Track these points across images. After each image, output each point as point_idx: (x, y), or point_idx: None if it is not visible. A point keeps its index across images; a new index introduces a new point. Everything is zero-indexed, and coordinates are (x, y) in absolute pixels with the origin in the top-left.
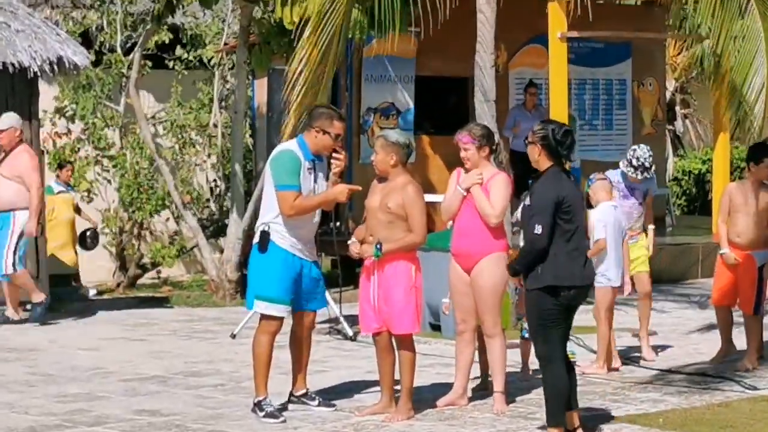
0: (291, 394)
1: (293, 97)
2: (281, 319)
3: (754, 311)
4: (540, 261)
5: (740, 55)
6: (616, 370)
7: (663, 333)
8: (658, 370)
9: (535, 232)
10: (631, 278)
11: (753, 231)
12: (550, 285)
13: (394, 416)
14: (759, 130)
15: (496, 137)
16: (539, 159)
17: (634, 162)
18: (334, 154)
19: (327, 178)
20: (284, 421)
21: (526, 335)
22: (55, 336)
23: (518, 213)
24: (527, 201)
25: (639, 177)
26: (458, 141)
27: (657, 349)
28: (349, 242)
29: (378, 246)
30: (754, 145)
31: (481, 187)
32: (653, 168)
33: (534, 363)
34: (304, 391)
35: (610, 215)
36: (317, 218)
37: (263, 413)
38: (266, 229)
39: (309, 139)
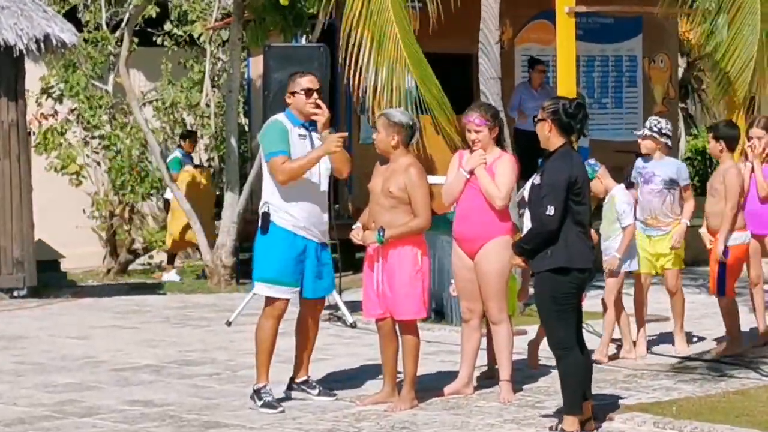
0: (292, 380)
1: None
2: (285, 301)
3: (718, 293)
4: (550, 243)
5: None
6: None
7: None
8: (671, 356)
9: (548, 213)
10: (660, 274)
11: (718, 213)
12: (563, 266)
13: (397, 405)
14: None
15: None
16: (550, 136)
17: (663, 129)
18: (311, 109)
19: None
20: (282, 412)
21: None
22: (44, 324)
23: (525, 192)
24: (537, 180)
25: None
26: (468, 123)
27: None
28: (353, 227)
29: (380, 232)
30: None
31: (485, 169)
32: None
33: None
34: (305, 378)
35: (630, 198)
36: (324, 187)
37: (261, 402)
38: (266, 210)
39: (291, 107)
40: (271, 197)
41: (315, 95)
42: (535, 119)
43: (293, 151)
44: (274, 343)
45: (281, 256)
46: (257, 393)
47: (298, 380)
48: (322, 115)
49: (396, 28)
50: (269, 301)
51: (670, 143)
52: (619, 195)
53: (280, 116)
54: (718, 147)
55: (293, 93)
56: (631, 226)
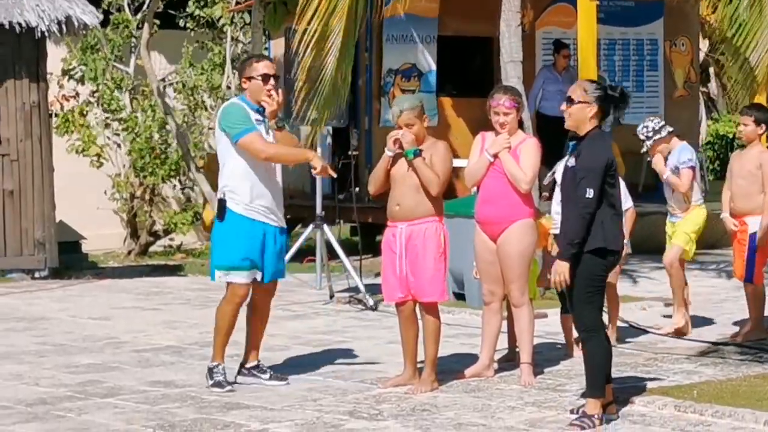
0: (242, 366)
1: (301, 51)
2: (246, 287)
3: (746, 279)
4: (606, 221)
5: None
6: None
7: (697, 303)
8: (691, 340)
9: (587, 195)
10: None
11: (745, 197)
12: (601, 247)
13: (418, 388)
14: None
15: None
16: (590, 120)
17: (655, 126)
18: (264, 97)
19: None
20: (230, 391)
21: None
22: (66, 305)
23: (556, 175)
24: (571, 162)
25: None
26: (498, 106)
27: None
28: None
29: (417, 150)
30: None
31: (510, 152)
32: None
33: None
34: (255, 363)
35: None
36: (279, 177)
37: (212, 381)
38: (222, 196)
39: (246, 93)
40: (227, 182)
41: (272, 81)
42: (570, 101)
43: None
44: (232, 326)
45: (240, 243)
46: (210, 371)
47: (248, 366)
48: (272, 105)
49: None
50: (230, 286)
51: (664, 133)
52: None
53: (236, 100)
54: (758, 131)
55: (249, 78)
56: (631, 209)
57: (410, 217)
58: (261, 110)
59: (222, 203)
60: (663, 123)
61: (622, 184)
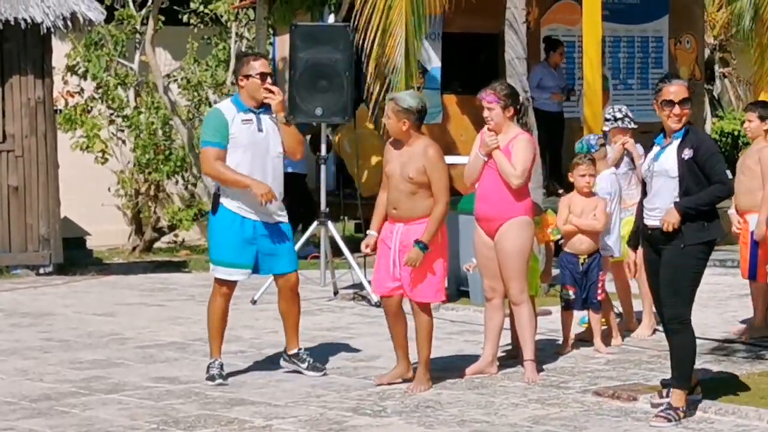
0: (284, 352)
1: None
2: (229, 284)
3: (749, 276)
4: (709, 212)
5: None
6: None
7: (701, 300)
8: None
9: (730, 176)
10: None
11: (749, 192)
12: (711, 240)
13: (414, 387)
14: None
15: (521, 98)
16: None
17: (617, 114)
18: (265, 94)
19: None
20: (220, 384)
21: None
22: (70, 301)
23: (646, 167)
24: (687, 155)
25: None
26: (482, 100)
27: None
28: (368, 233)
29: (421, 245)
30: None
31: (502, 149)
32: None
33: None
34: (296, 351)
35: (616, 183)
36: (272, 179)
37: (207, 375)
38: (217, 191)
39: (240, 91)
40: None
41: (269, 79)
42: (686, 99)
43: (238, 135)
44: (223, 320)
45: (230, 239)
46: (207, 366)
47: (289, 353)
48: (275, 98)
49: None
50: (215, 281)
51: (624, 124)
52: (602, 180)
53: (223, 103)
54: (763, 127)
55: (247, 76)
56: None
57: (408, 218)
58: (253, 109)
59: (216, 197)
60: (628, 114)
61: (610, 180)
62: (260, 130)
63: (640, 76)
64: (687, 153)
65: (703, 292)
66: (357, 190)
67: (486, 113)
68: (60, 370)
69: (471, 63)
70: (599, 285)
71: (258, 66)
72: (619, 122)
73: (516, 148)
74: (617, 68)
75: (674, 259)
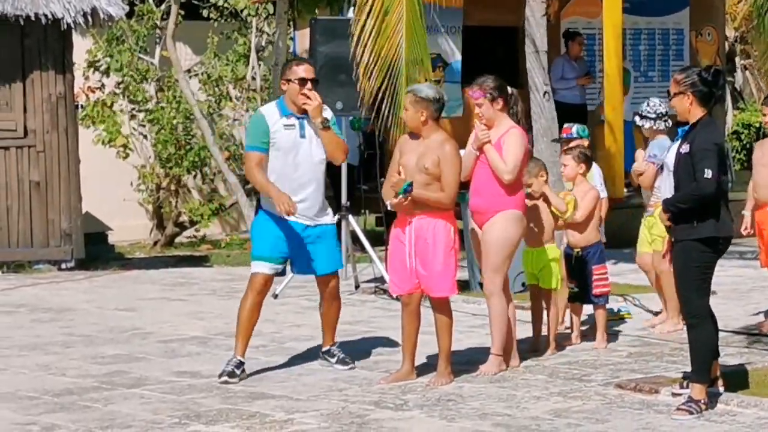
0: (320, 350)
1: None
2: (263, 276)
3: None
4: (704, 209)
5: None
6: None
7: (723, 292)
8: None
9: (706, 176)
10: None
11: (766, 186)
12: (712, 236)
13: (435, 381)
14: None
15: (510, 89)
16: (690, 108)
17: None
18: (303, 99)
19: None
20: (225, 383)
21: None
22: (92, 296)
23: (667, 160)
24: (685, 149)
25: (656, 126)
26: (470, 97)
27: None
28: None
29: (408, 187)
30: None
31: (494, 143)
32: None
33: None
34: (327, 347)
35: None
36: (315, 177)
37: (221, 371)
38: (259, 197)
39: (285, 94)
40: None
41: (308, 85)
42: (670, 94)
43: (278, 140)
44: (251, 319)
45: (264, 235)
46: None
47: (322, 349)
48: (311, 104)
49: None
50: (251, 276)
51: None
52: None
53: (267, 107)
54: None
55: (288, 80)
56: (605, 199)
57: (420, 209)
58: (295, 114)
59: (258, 201)
60: (667, 112)
61: (598, 172)
62: (302, 136)
63: (660, 69)
64: (684, 147)
65: (725, 284)
66: (378, 183)
67: (476, 109)
68: (82, 364)
69: (491, 56)
70: (595, 279)
71: (300, 71)
72: (659, 121)
73: (507, 143)
74: (638, 61)
75: (677, 254)
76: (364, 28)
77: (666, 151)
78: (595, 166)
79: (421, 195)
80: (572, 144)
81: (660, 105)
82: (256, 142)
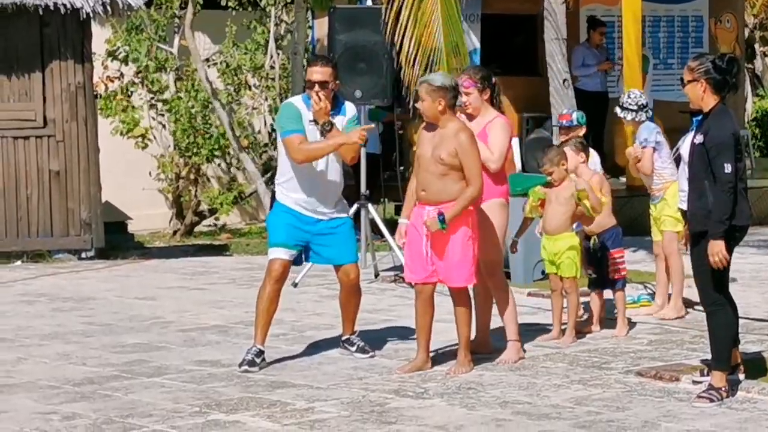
0: (340, 339)
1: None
2: (279, 262)
3: None
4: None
5: None
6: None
7: (743, 280)
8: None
9: (726, 171)
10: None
11: None
12: (730, 225)
13: (456, 370)
14: None
15: (495, 79)
16: (704, 96)
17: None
18: (313, 98)
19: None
20: (246, 372)
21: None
22: (112, 285)
23: (682, 150)
24: (699, 140)
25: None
26: (460, 85)
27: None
28: (399, 222)
29: (441, 217)
30: None
31: (479, 132)
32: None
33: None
34: (347, 336)
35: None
36: (334, 176)
37: (241, 360)
38: (274, 189)
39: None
40: (279, 179)
41: (316, 87)
42: (684, 81)
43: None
44: (269, 308)
45: (278, 223)
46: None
47: (342, 338)
48: (315, 107)
49: None
50: (268, 263)
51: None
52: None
53: (296, 99)
54: None
55: (307, 81)
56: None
57: (437, 200)
58: None
59: (273, 197)
60: (645, 104)
61: (597, 159)
62: (323, 134)
63: (680, 56)
64: (699, 138)
65: (745, 272)
66: (397, 171)
67: (464, 98)
68: (102, 354)
69: (510, 44)
70: (611, 263)
71: (310, 72)
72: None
73: (492, 132)
74: (657, 48)
75: (694, 243)
76: (399, 16)
77: (655, 132)
78: (593, 152)
79: (456, 212)
80: (570, 135)
81: (641, 96)
82: (293, 125)
